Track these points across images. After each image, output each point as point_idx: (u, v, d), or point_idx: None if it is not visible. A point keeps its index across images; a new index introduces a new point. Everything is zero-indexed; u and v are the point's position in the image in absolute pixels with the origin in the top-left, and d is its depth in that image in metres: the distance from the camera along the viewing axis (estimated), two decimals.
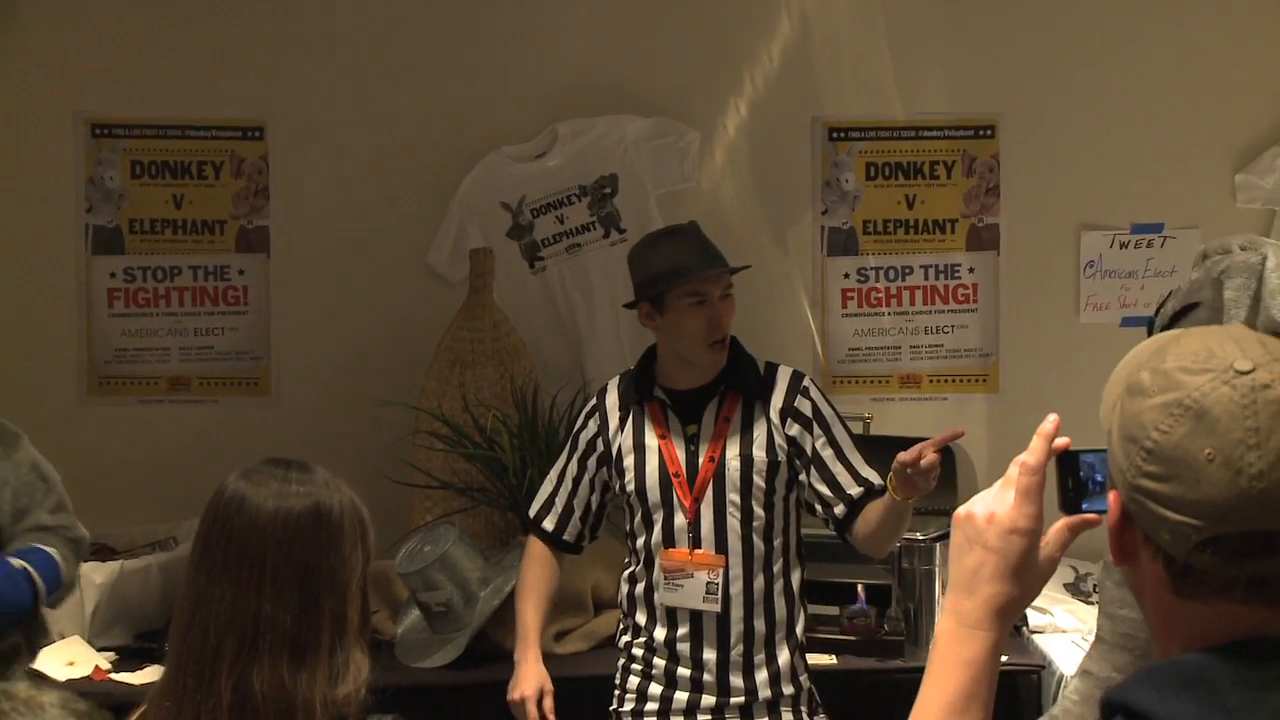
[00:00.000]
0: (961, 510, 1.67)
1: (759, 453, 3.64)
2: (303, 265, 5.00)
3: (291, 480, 2.26)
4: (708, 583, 3.61)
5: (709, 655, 3.65)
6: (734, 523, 3.63)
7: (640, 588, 3.73)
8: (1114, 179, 5.12)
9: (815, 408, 3.71)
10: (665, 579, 3.65)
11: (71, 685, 3.99)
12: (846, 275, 5.11)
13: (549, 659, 4.18)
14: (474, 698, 4.07)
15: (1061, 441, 1.67)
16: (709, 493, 3.63)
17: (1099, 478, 1.67)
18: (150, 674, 3.93)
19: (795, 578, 3.67)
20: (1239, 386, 1.44)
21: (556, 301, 5.08)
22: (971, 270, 5.15)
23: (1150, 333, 2.42)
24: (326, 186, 5.00)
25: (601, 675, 4.19)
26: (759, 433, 3.66)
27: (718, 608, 3.62)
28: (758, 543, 3.63)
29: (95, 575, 4.24)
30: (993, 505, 1.65)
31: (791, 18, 5.08)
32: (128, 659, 4.12)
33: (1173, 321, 2.35)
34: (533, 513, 3.87)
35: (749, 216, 5.05)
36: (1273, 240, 2.35)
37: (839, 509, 3.59)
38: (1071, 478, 1.69)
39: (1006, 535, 1.63)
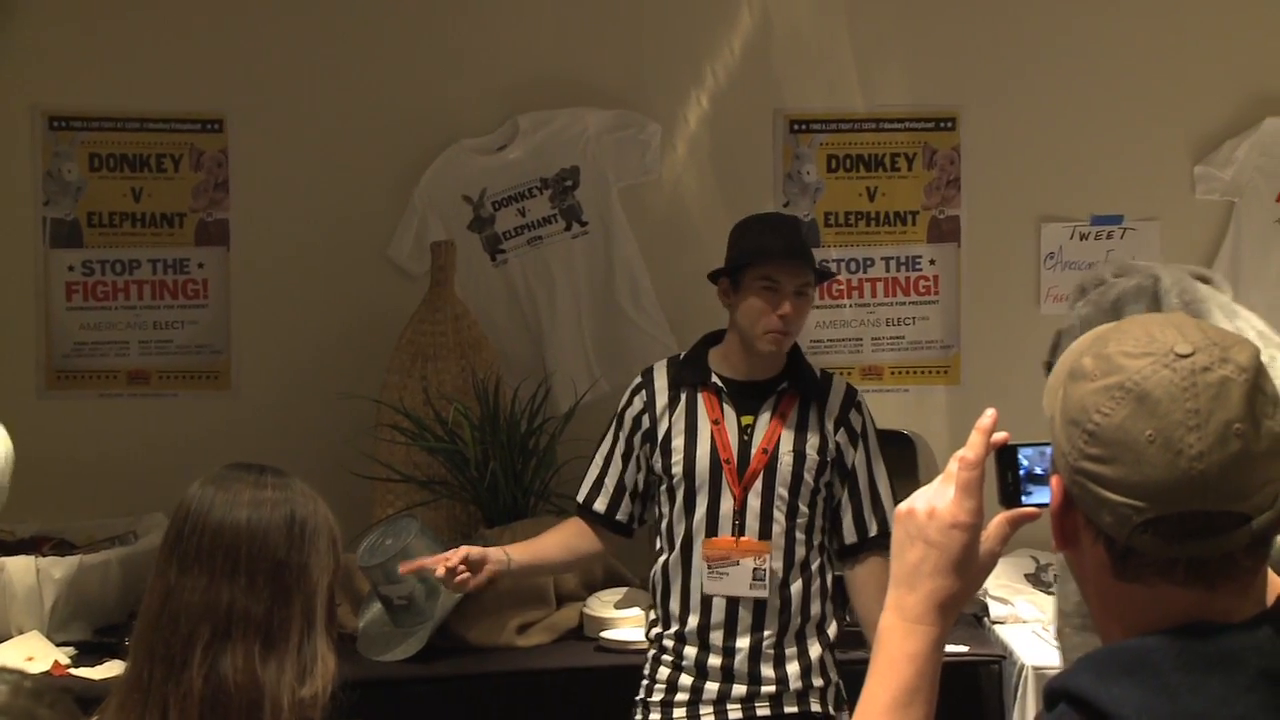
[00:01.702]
0: (903, 506, 1.70)
1: (812, 452, 3.69)
2: (263, 258, 5.00)
3: (266, 486, 2.30)
4: (755, 569, 3.65)
5: (742, 643, 3.67)
6: (779, 515, 3.67)
7: (676, 576, 3.74)
8: (1074, 171, 5.16)
9: (865, 425, 3.78)
10: (709, 568, 3.67)
11: None
12: None
13: (512, 652, 4.22)
14: (436, 690, 4.10)
15: (1000, 436, 1.70)
16: (758, 483, 3.67)
17: (1039, 471, 1.70)
18: (110, 669, 3.93)
19: (829, 579, 3.73)
20: (1179, 369, 1.47)
21: (518, 294, 5.09)
22: (933, 262, 5.18)
23: (1048, 372, 2.47)
24: (287, 179, 5.00)
25: (564, 668, 4.23)
26: (813, 433, 3.70)
27: (765, 593, 3.65)
28: (799, 537, 3.68)
29: (54, 570, 4.24)
30: (933, 500, 1.67)
31: (753, 10, 5.10)
32: (87, 654, 4.12)
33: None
34: (581, 497, 3.87)
35: (711, 208, 5.06)
36: (1141, 263, 2.41)
37: (849, 539, 3.71)
38: (1011, 471, 1.71)
39: (947, 530, 1.66)
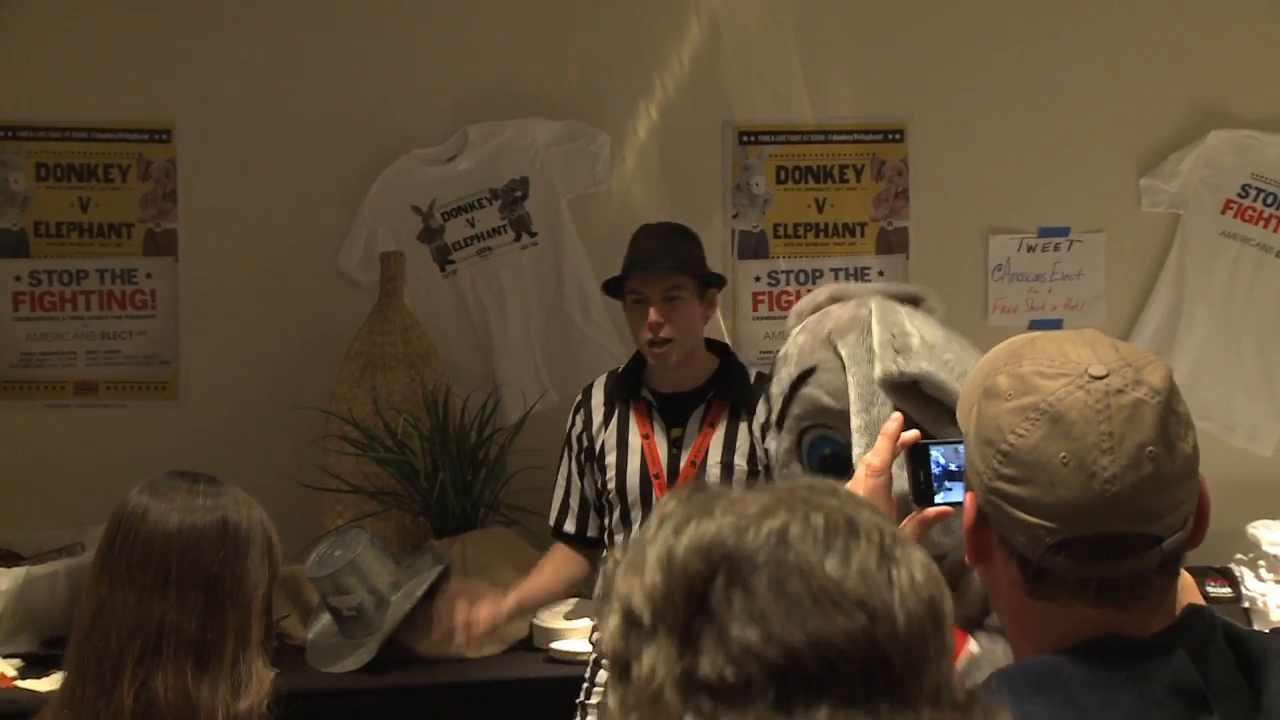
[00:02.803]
0: None
1: (740, 461, 3.72)
2: (212, 268, 4.99)
3: (199, 493, 2.29)
4: None
5: None
6: None
7: None
8: (1021, 183, 5.21)
9: None
10: None
11: None
12: (758, 279, 5.17)
13: (461, 663, 4.24)
14: (385, 701, 4.12)
15: (910, 435, 1.72)
16: None
17: (953, 467, 1.72)
18: (57, 680, 3.92)
19: None
20: (1093, 391, 1.49)
21: (468, 305, 5.10)
22: (881, 273, 5.21)
23: (769, 403, 2.52)
24: (236, 189, 4.99)
25: (513, 679, 4.25)
26: (742, 442, 3.73)
27: None
28: None
29: (1, 582, 4.24)
30: None
31: (701, 22, 5.12)
32: (34, 665, 4.10)
33: (793, 388, 2.43)
34: (552, 522, 3.97)
35: (660, 219, 5.07)
36: (855, 287, 2.46)
37: None
38: (923, 470, 1.73)
39: None
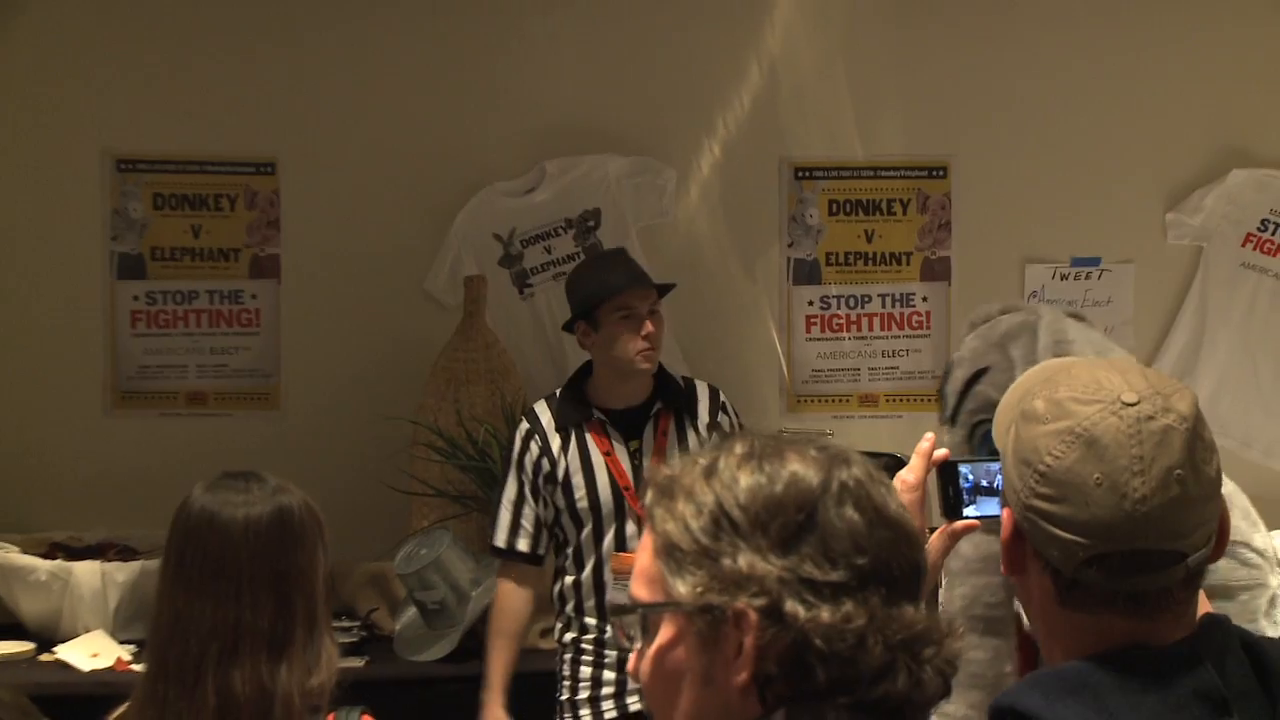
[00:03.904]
0: None
1: None
2: (310, 290, 5.03)
3: (252, 489, 2.27)
4: None
5: None
6: None
7: (590, 592, 3.79)
8: (1056, 216, 5.18)
9: (731, 422, 3.84)
10: (617, 580, 3.70)
11: (96, 675, 4.06)
12: (810, 303, 5.17)
13: (535, 653, 4.24)
14: (465, 688, 4.11)
15: (940, 453, 1.71)
16: None
17: (982, 484, 1.71)
18: None
19: None
20: (1126, 417, 1.48)
21: (544, 325, 5.10)
22: (925, 299, 5.21)
23: (942, 400, 2.51)
24: (332, 217, 5.02)
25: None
26: (693, 444, 3.75)
27: None
28: None
29: (118, 574, 4.28)
30: None
31: (761, 66, 5.13)
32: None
33: (966, 387, 2.43)
34: (503, 542, 3.85)
35: (721, 248, 5.10)
36: (1025, 303, 2.46)
37: None
38: (952, 486, 1.72)
39: None
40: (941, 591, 2.48)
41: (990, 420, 2.34)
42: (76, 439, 4.92)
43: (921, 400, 5.17)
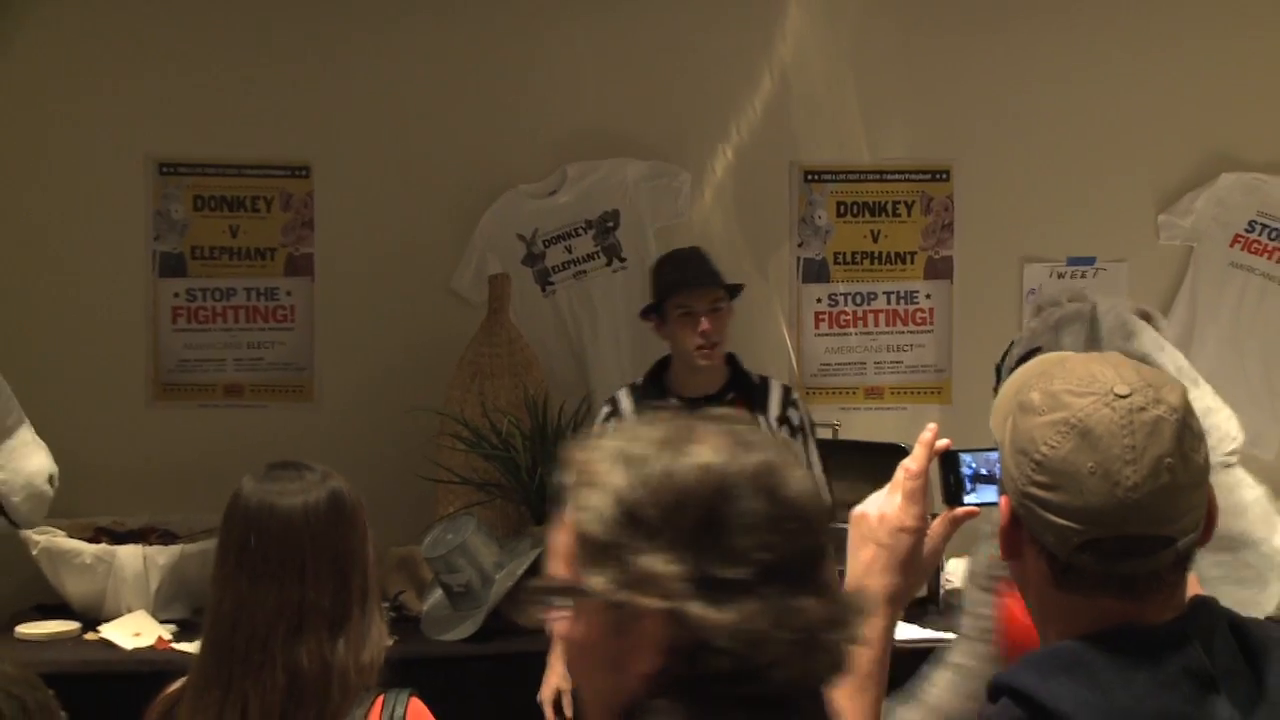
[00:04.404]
0: (857, 510, 1.72)
1: None
2: (343, 287, 5.04)
3: (305, 477, 2.27)
4: None
5: None
6: None
7: None
8: (1053, 217, 5.19)
9: (802, 419, 3.87)
10: None
11: (138, 653, 4.07)
12: (819, 300, 5.17)
13: None
14: (490, 667, 4.14)
15: (943, 443, 1.71)
16: None
17: (983, 472, 1.71)
18: None
19: None
20: (1118, 409, 1.48)
21: (565, 321, 5.13)
22: (928, 297, 5.21)
23: (999, 374, 2.52)
24: (364, 219, 5.04)
25: None
26: None
27: None
28: None
29: (159, 557, 4.29)
30: (883, 506, 1.70)
31: (773, 74, 5.14)
32: (187, 630, 4.17)
33: (1018, 364, 2.44)
34: None
35: (734, 248, 5.10)
36: (1091, 297, 2.46)
37: None
38: (953, 475, 1.71)
39: (895, 533, 1.68)
40: (970, 550, 2.49)
41: None
42: (120, 429, 4.93)
43: (924, 393, 5.17)
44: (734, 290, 3.98)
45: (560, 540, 1.38)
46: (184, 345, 5.01)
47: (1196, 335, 5.15)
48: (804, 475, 1.39)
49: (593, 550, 1.34)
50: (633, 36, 5.11)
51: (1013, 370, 2.49)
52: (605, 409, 3.98)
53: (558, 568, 1.39)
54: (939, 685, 2.41)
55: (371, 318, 5.04)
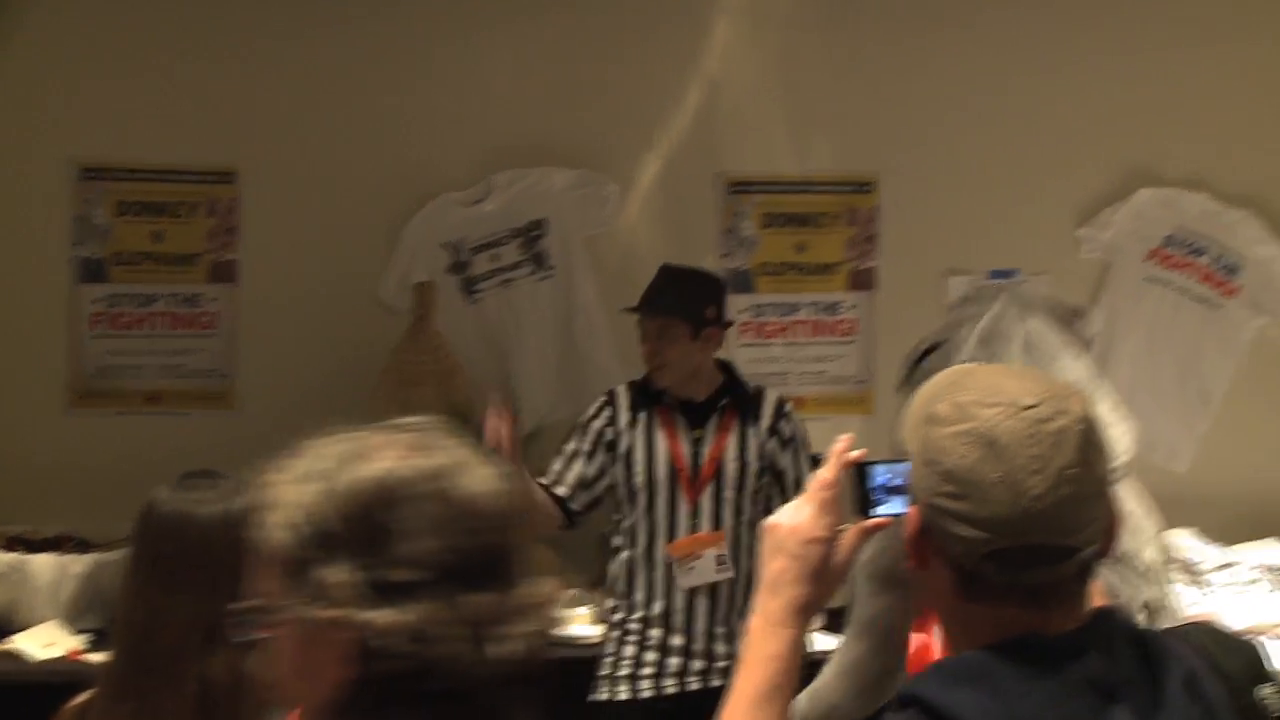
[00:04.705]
0: (769, 521, 1.71)
1: (752, 458, 3.86)
2: (267, 294, 5.00)
3: (220, 486, 2.23)
4: (717, 555, 3.80)
5: (699, 624, 3.83)
6: (727, 513, 3.85)
7: (640, 569, 3.88)
8: (976, 230, 5.22)
9: (793, 432, 3.93)
10: (679, 565, 3.80)
11: (48, 664, 4.00)
12: (743, 311, 5.15)
13: None
14: None
15: (856, 454, 1.71)
16: (709, 487, 3.84)
17: (897, 482, 1.71)
18: None
19: None
20: (1024, 419, 1.49)
21: (491, 329, 5.10)
22: (852, 308, 5.22)
23: (907, 367, 2.55)
24: (290, 225, 5.00)
25: None
26: (752, 442, 3.89)
27: (732, 573, 3.78)
28: (744, 532, 3.82)
29: (74, 566, 4.24)
30: (794, 517, 1.68)
31: (700, 85, 5.14)
32: (101, 641, 4.06)
33: (923, 355, 2.47)
34: (549, 480, 3.96)
35: (659, 257, 5.01)
36: (1005, 292, 2.49)
37: None
38: (865, 486, 1.71)
39: (806, 544, 1.66)
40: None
41: None
42: (37, 436, 4.87)
43: (846, 403, 5.19)
44: (703, 322, 3.98)
45: (257, 560, 1.47)
46: (104, 352, 4.95)
47: (1113, 349, 5.20)
48: (485, 475, 1.46)
49: (282, 568, 1.43)
50: (561, 46, 5.10)
51: (916, 363, 2.51)
52: (601, 399, 4.04)
53: (257, 588, 1.47)
54: (825, 680, 2.42)
55: (296, 325, 5.00)
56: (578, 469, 3.96)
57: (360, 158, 5.01)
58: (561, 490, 3.94)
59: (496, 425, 3.63)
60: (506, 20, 5.07)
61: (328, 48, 5.00)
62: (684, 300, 3.94)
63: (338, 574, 1.39)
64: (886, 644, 2.40)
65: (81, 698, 2.29)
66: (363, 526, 1.40)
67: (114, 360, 4.95)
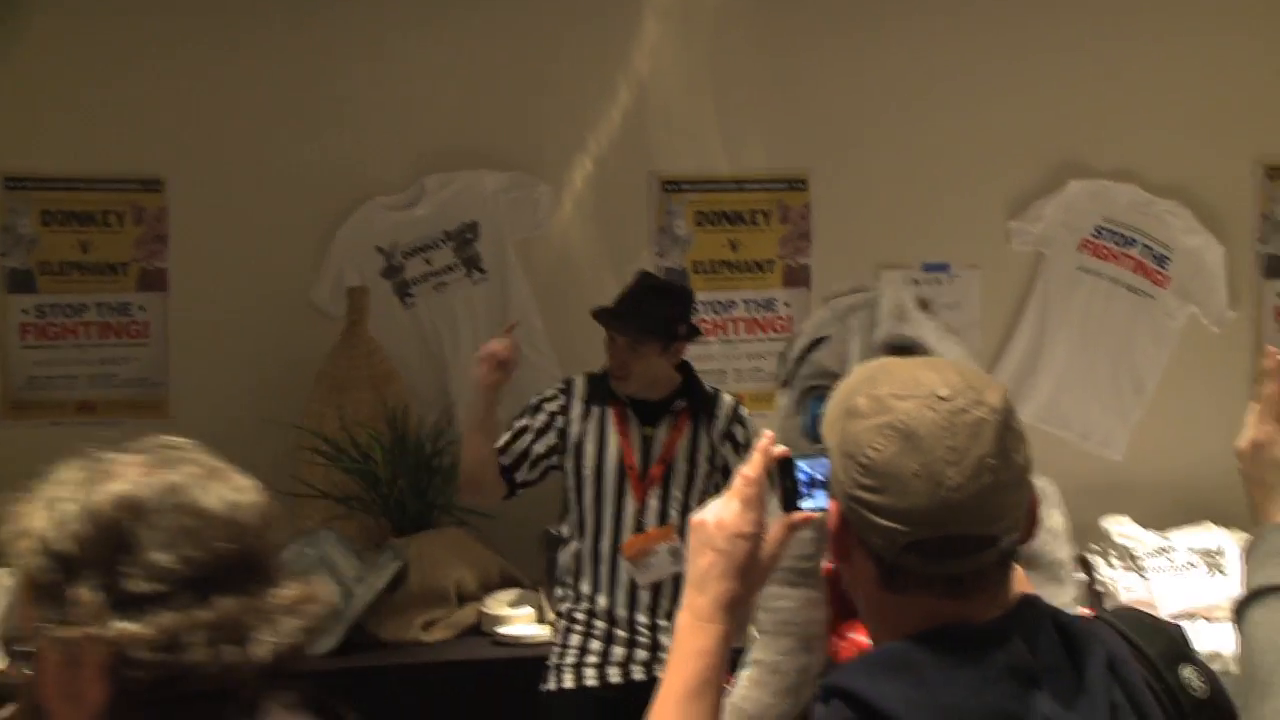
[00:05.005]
0: (696, 517, 1.71)
1: (703, 460, 3.90)
2: (198, 302, 4.95)
3: None
4: (670, 549, 3.82)
5: (643, 616, 3.85)
6: (674, 512, 3.87)
7: (587, 561, 3.90)
8: (908, 225, 5.24)
9: (746, 435, 3.93)
10: (635, 564, 3.81)
11: None
12: None
13: (419, 647, 4.23)
14: (351, 681, 4.08)
15: (780, 450, 1.71)
16: (657, 486, 3.86)
17: (817, 477, 1.71)
18: None
19: None
20: (940, 411, 1.49)
21: (425, 333, 5.08)
22: (787, 304, 5.24)
23: (781, 363, 2.56)
24: (219, 232, 4.95)
25: (464, 660, 4.25)
26: (703, 444, 3.91)
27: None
28: (689, 531, 3.80)
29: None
30: (721, 513, 1.68)
31: (630, 85, 5.14)
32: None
33: (804, 354, 2.47)
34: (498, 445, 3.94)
35: (594, 258, 5.10)
36: (874, 286, 2.51)
37: None
38: (789, 481, 1.70)
39: (732, 539, 1.66)
40: None
41: (821, 386, 2.37)
42: None
43: None
44: (674, 336, 3.98)
45: (15, 590, 1.51)
46: (34, 362, 4.89)
47: (1047, 339, 5.24)
48: (231, 487, 1.56)
49: (35, 594, 1.48)
50: (490, 48, 5.08)
51: (798, 360, 2.52)
52: (558, 385, 4.05)
53: (23, 612, 1.51)
54: (744, 684, 2.41)
55: (228, 332, 4.96)
56: (525, 442, 3.96)
57: (289, 163, 4.97)
58: (505, 460, 3.93)
59: (499, 347, 3.75)
60: (436, 24, 5.05)
61: (253, 55, 4.95)
62: (659, 319, 3.93)
63: (83, 593, 1.44)
64: (805, 643, 2.39)
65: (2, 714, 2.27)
66: (104, 544, 1.46)
67: (45, 370, 4.90)
